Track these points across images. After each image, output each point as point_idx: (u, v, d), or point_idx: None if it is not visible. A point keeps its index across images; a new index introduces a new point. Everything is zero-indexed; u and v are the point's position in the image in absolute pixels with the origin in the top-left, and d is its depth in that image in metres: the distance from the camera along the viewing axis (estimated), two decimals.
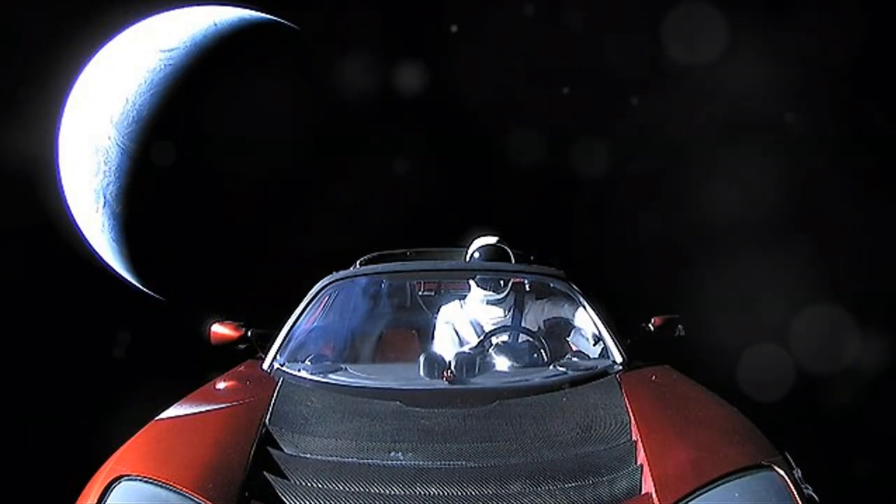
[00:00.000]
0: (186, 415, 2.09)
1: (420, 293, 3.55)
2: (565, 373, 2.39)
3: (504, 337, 2.86)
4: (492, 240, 3.09)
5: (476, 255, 3.06)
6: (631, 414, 2.02)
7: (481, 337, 2.86)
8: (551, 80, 5.41)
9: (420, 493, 1.73)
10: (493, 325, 2.94)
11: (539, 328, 2.96)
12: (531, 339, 2.81)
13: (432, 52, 5.43)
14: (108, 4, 4.79)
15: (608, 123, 5.34)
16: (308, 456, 1.88)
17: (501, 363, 2.61)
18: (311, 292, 2.84)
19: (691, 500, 1.69)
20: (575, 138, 5.43)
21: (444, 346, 2.91)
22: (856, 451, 3.60)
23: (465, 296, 3.11)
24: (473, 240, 3.15)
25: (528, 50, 5.48)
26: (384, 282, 3.17)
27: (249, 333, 2.72)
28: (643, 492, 1.74)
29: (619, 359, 2.50)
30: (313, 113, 4.86)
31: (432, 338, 3.05)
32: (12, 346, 4.33)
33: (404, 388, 2.27)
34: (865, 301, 4.70)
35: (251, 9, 5.03)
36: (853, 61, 4.96)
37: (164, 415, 2.08)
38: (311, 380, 2.35)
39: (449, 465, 1.83)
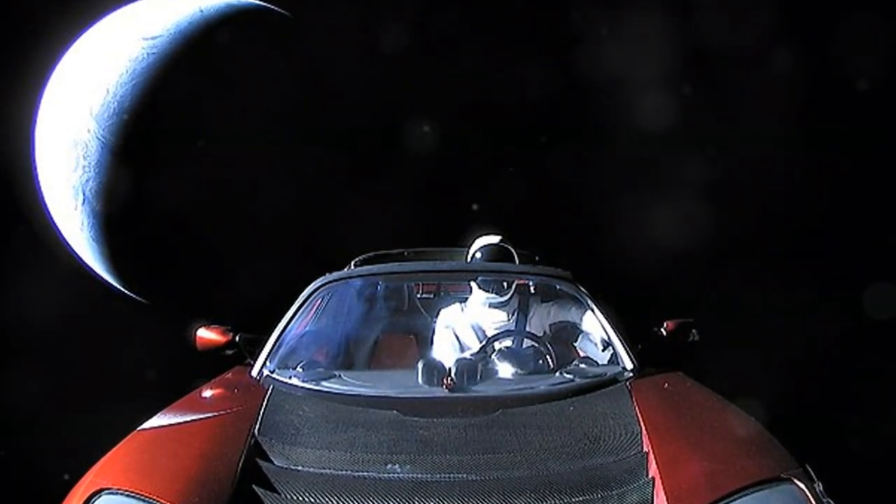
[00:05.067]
0: (171, 425, 2.10)
1: (418, 296, 3.55)
2: (572, 380, 2.39)
3: (507, 342, 2.86)
4: (494, 239, 3.09)
5: (478, 255, 3.06)
6: (642, 424, 2.02)
7: (483, 342, 2.87)
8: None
9: None
10: (496, 329, 2.94)
11: (544, 333, 2.96)
12: (536, 345, 2.81)
13: (429, 42, 5.45)
14: None
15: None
16: (299, 468, 1.88)
17: (504, 370, 2.61)
18: (302, 295, 2.84)
19: None
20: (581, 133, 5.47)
21: (444, 351, 2.91)
22: None
23: (466, 298, 3.11)
24: (475, 239, 3.15)
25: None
26: (380, 283, 3.17)
27: (237, 338, 2.73)
28: None
29: (629, 365, 2.51)
30: (305, 105, 4.86)
31: (431, 343, 3.04)
32: None
33: (402, 396, 2.27)
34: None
35: None
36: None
37: (147, 425, 2.09)
38: (302, 387, 2.35)
39: (449, 477, 1.83)
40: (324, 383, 2.37)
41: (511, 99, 5.45)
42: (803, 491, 1.73)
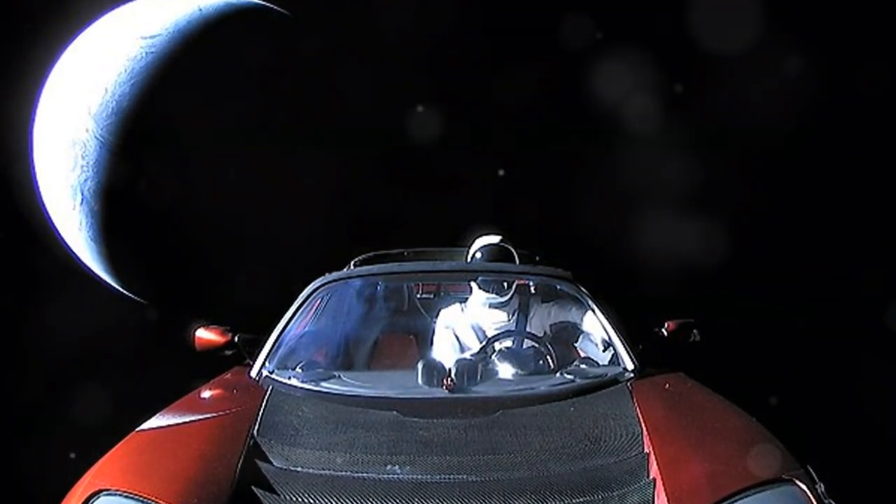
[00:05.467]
0: (169, 425, 2.10)
1: (418, 296, 3.55)
2: (573, 381, 2.39)
3: (508, 342, 2.86)
4: (494, 239, 3.09)
5: (478, 255, 3.05)
6: (643, 424, 2.02)
7: (483, 342, 2.87)
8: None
9: None
10: (496, 329, 2.94)
11: (545, 333, 2.96)
12: (536, 345, 2.81)
13: (426, 39, 5.46)
14: None
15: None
16: (299, 469, 1.88)
17: (505, 370, 2.61)
18: (302, 295, 2.84)
19: None
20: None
21: (444, 352, 2.91)
22: None
23: (467, 299, 3.11)
24: (475, 239, 3.15)
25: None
26: (380, 284, 3.17)
27: (236, 339, 2.73)
28: None
29: (630, 366, 2.51)
30: (305, 104, 4.86)
31: (431, 343, 3.05)
32: None
33: (401, 396, 2.28)
34: None
35: None
36: None
37: (145, 425, 2.09)
38: (301, 388, 2.35)
39: (449, 479, 1.83)
40: (323, 384, 2.37)
41: (512, 99, 5.46)
42: (805, 492, 1.73)
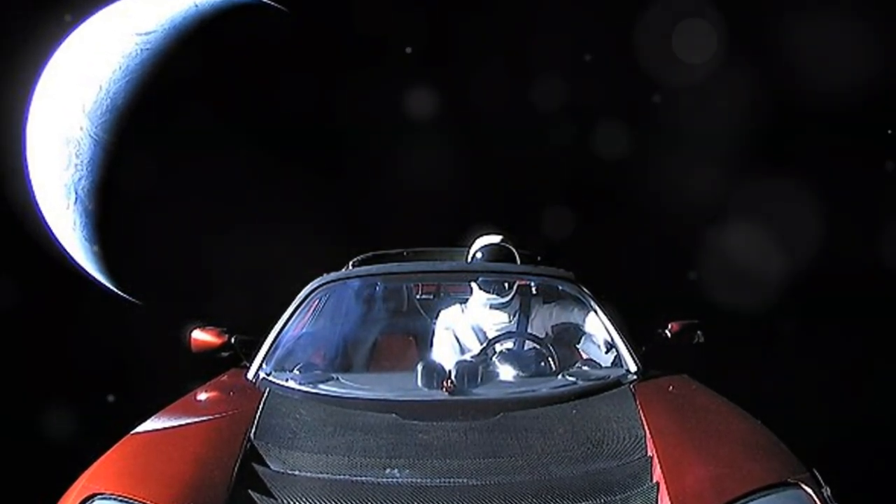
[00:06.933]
0: (165, 428, 2.09)
1: (418, 296, 3.55)
2: (575, 382, 2.39)
3: (508, 344, 2.86)
4: (495, 239, 3.09)
5: (478, 255, 3.06)
6: (646, 427, 2.02)
7: (484, 344, 2.87)
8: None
9: None
10: (497, 331, 2.94)
11: (546, 334, 2.96)
12: (538, 347, 2.81)
13: (434, 42, 5.47)
14: None
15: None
16: (296, 473, 1.88)
17: (506, 372, 2.61)
18: (299, 295, 2.84)
19: None
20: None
21: (444, 353, 2.91)
22: None
23: (467, 299, 3.11)
24: (475, 239, 3.15)
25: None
26: (379, 284, 3.17)
27: (233, 340, 2.73)
28: None
29: (633, 367, 2.51)
30: (303, 103, 4.86)
31: (431, 345, 3.05)
32: None
33: (401, 399, 2.27)
34: None
35: None
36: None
37: (140, 428, 2.08)
38: (299, 390, 2.35)
39: (449, 482, 1.83)
40: (321, 386, 2.37)
41: (512, 101, 5.48)
42: (811, 496, 1.73)
